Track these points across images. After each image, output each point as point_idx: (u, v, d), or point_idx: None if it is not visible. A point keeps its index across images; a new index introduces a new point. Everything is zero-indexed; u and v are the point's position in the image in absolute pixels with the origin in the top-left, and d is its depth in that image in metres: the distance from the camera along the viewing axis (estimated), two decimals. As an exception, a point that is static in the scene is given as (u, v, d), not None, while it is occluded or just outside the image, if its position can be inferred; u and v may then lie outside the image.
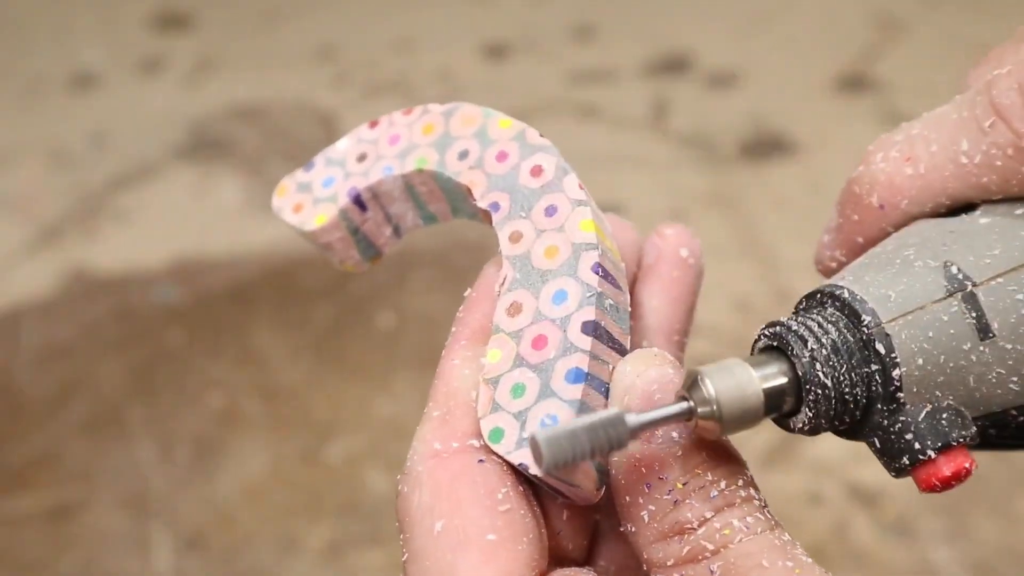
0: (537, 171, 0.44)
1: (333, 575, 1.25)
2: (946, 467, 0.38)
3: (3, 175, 1.93)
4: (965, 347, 0.38)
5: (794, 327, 0.39)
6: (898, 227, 0.43)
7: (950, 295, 0.39)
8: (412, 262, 1.63)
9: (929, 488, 0.38)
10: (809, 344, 0.38)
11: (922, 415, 0.38)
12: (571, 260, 0.42)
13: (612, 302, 0.41)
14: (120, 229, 1.78)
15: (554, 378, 0.40)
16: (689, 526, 0.37)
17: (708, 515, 0.37)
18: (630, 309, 0.43)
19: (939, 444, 0.38)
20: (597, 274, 0.41)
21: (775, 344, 0.39)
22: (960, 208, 0.42)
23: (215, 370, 1.50)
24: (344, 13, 2.30)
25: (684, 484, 0.37)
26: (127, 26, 2.30)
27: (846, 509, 1.27)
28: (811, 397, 0.38)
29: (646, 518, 0.37)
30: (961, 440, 0.38)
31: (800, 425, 0.38)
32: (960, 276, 0.39)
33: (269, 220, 1.78)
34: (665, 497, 0.37)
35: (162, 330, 1.57)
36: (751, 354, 0.40)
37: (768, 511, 0.38)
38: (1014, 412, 0.40)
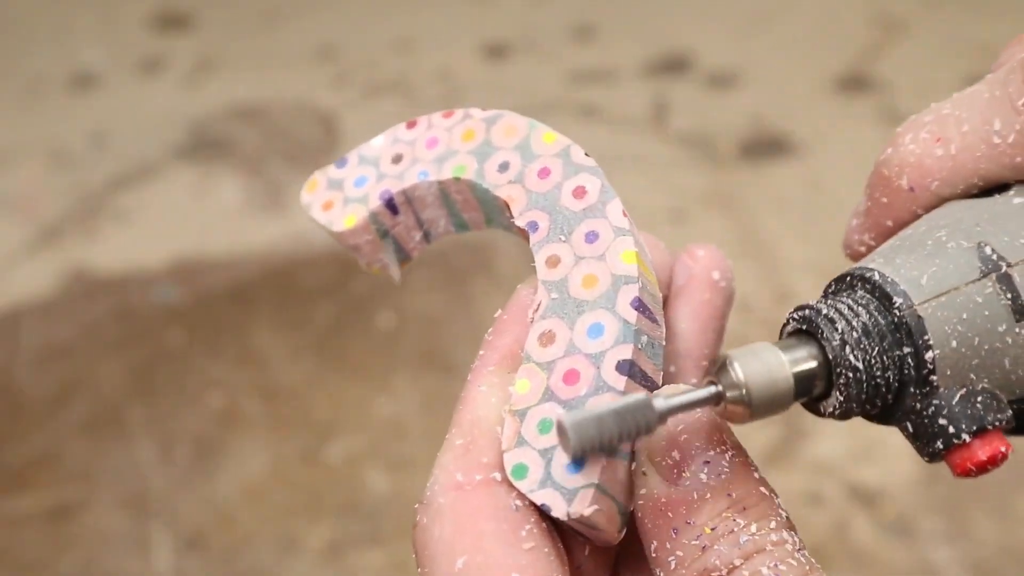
0: (580, 192, 0.42)
1: (333, 575, 1.25)
2: (981, 451, 0.37)
3: (3, 175, 1.93)
4: (1000, 329, 0.37)
5: (824, 310, 0.38)
6: (928, 209, 0.42)
7: (984, 276, 0.38)
8: (412, 262, 1.63)
9: (964, 473, 0.37)
10: (839, 327, 0.37)
11: (956, 399, 0.37)
12: (610, 292, 0.40)
13: (648, 338, 0.40)
14: (120, 229, 1.78)
15: None
16: (717, 573, 0.35)
17: (737, 562, 0.35)
18: (664, 344, 0.41)
19: (974, 428, 0.37)
20: (636, 310, 0.39)
21: (804, 328, 0.38)
22: (993, 189, 0.41)
23: (215, 370, 1.50)
24: (344, 13, 2.30)
25: (712, 529, 0.36)
26: (127, 26, 2.30)
27: (846, 509, 1.27)
28: (842, 381, 0.37)
29: (673, 564, 0.36)
30: (997, 424, 0.37)
31: (831, 409, 0.38)
32: (994, 257, 0.38)
33: (269, 220, 1.78)
34: (693, 543, 0.36)
35: (162, 330, 1.57)
36: (780, 338, 0.39)
37: (804, 553, 0.36)
38: None
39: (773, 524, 0.36)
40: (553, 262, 0.41)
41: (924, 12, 2.16)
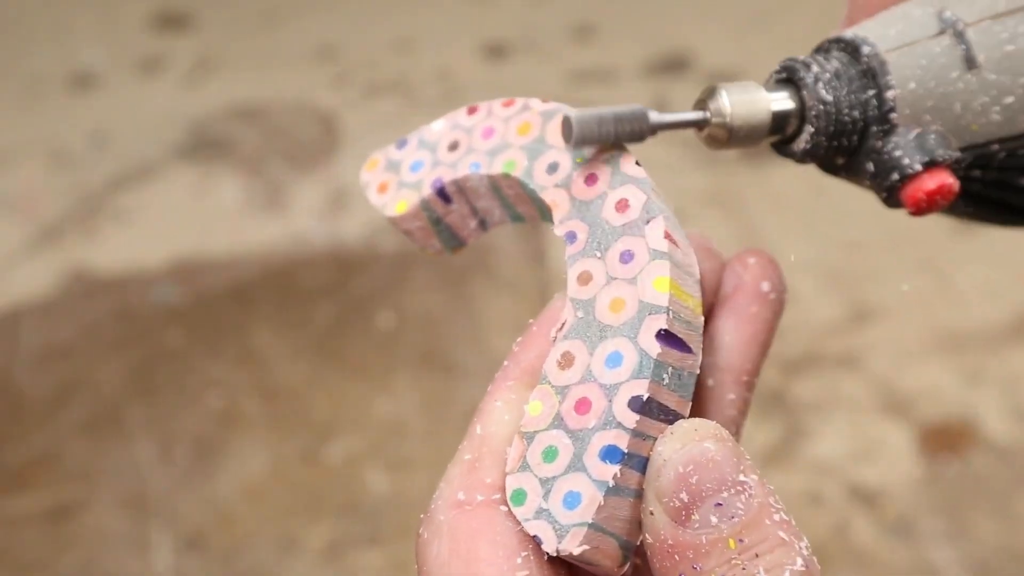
0: (623, 206, 0.40)
1: (333, 575, 1.25)
2: (931, 181, 0.41)
3: (2, 175, 1.93)
4: (953, 75, 0.42)
5: (802, 59, 0.44)
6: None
7: (942, 32, 0.43)
8: (412, 262, 1.63)
9: (916, 205, 0.42)
10: (813, 70, 0.43)
11: (912, 135, 0.42)
12: (635, 321, 0.38)
13: (674, 370, 0.38)
14: (120, 229, 1.78)
15: (588, 451, 0.37)
16: None
17: None
18: (698, 371, 0.39)
19: (926, 159, 0.41)
20: (660, 343, 0.37)
21: (786, 77, 0.44)
22: None
23: (215, 370, 1.50)
24: (344, 13, 2.30)
25: None
26: (127, 26, 2.30)
27: (846, 509, 1.27)
28: (813, 113, 0.42)
29: None
30: (946, 159, 0.42)
31: (802, 145, 0.43)
32: (952, 18, 0.43)
33: (269, 220, 1.78)
34: None
35: (162, 330, 1.57)
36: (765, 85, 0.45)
37: None
38: (996, 145, 0.44)
39: (787, 574, 0.34)
40: (585, 279, 0.40)
41: (924, 12, 2.16)
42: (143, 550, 1.28)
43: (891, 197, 0.43)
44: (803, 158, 0.43)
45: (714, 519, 0.34)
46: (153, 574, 1.26)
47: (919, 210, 0.42)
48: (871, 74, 0.42)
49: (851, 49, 0.43)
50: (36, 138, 1.99)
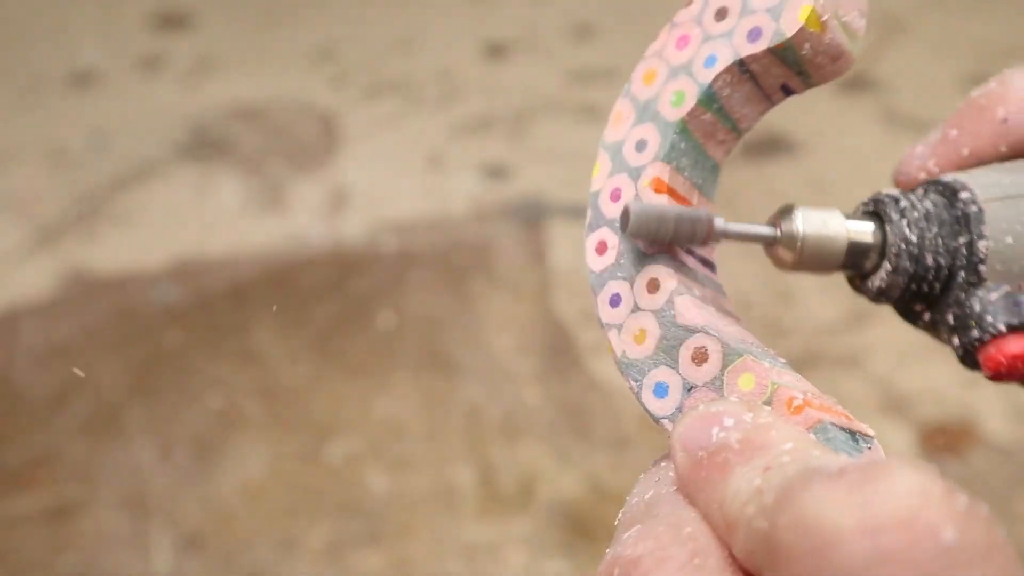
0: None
1: (333, 575, 1.25)
2: (1015, 344, 0.38)
3: (2, 175, 1.93)
4: None
5: (893, 194, 0.40)
6: (1014, 148, 0.42)
7: None
8: (412, 262, 1.63)
9: (995, 367, 0.38)
10: (901, 204, 0.39)
11: (1001, 293, 0.38)
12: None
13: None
14: (120, 229, 1.78)
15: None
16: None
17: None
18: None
19: (1014, 322, 0.38)
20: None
21: (872, 210, 0.40)
22: None
23: (215, 370, 1.50)
24: (344, 13, 2.30)
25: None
26: (126, 25, 2.30)
27: (846, 509, 1.27)
28: (893, 250, 0.39)
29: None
30: None
31: (878, 283, 0.39)
32: None
33: (269, 220, 1.78)
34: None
35: (162, 330, 1.56)
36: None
37: None
38: None
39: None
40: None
41: (924, 11, 2.16)
42: (143, 550, 1.28)
43: (968, 356, 0.39)
44: (877, 297, 0.40)
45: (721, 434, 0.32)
46: (153, 574, 1.26)
47: (997, 374, 0.38)
48: (965, 220, 0.38)
49: (948, 192, 0.39)
50: (35, 137, 1.99)
